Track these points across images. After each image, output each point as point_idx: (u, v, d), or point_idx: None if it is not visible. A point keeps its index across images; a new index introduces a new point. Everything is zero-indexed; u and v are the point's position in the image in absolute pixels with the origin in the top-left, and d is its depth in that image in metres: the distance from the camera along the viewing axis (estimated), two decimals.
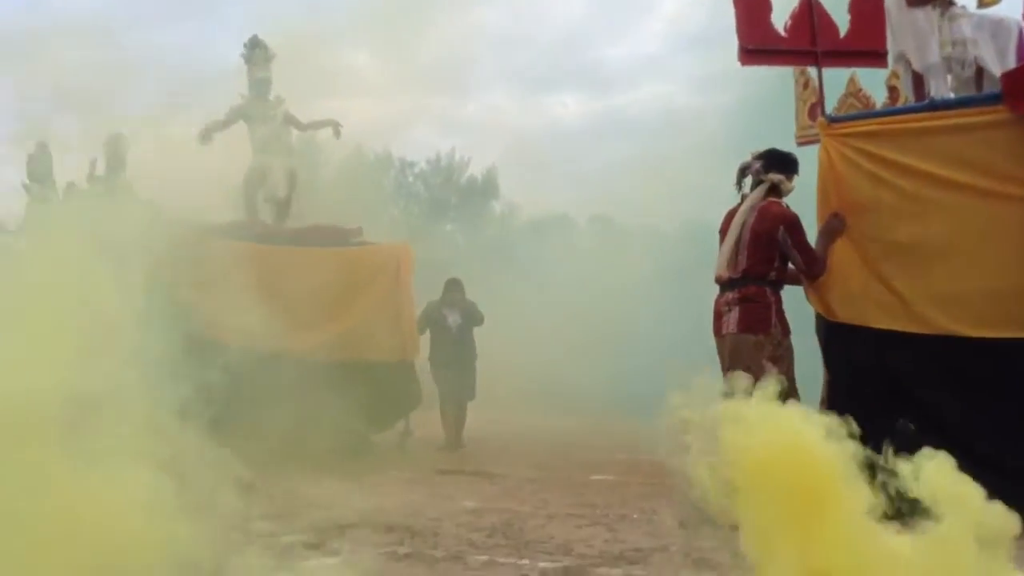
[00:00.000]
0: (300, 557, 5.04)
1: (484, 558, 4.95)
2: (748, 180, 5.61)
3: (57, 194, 11.54)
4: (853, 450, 3.00)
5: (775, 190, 5.50)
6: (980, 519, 2.79)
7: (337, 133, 10.09)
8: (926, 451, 2.89)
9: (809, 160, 5.74)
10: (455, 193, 23.15)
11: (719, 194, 6.15)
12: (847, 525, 2.89)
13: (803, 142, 7.32)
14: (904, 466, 2.90)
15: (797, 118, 7.77)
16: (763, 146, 5.66)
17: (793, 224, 5.31)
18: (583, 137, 28.74)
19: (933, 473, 2.86)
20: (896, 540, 2.91)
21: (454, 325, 9.42)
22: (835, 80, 7.14)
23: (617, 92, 33.99)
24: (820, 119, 5.46)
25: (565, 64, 34.60)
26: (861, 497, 2.93)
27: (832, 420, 2.99)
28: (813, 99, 7.07)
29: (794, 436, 2.98)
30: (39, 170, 11.24)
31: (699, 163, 14.57)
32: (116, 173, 11.77)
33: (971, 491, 2.84)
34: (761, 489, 2.93)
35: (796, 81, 7.84)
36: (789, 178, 5.53)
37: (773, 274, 5.38)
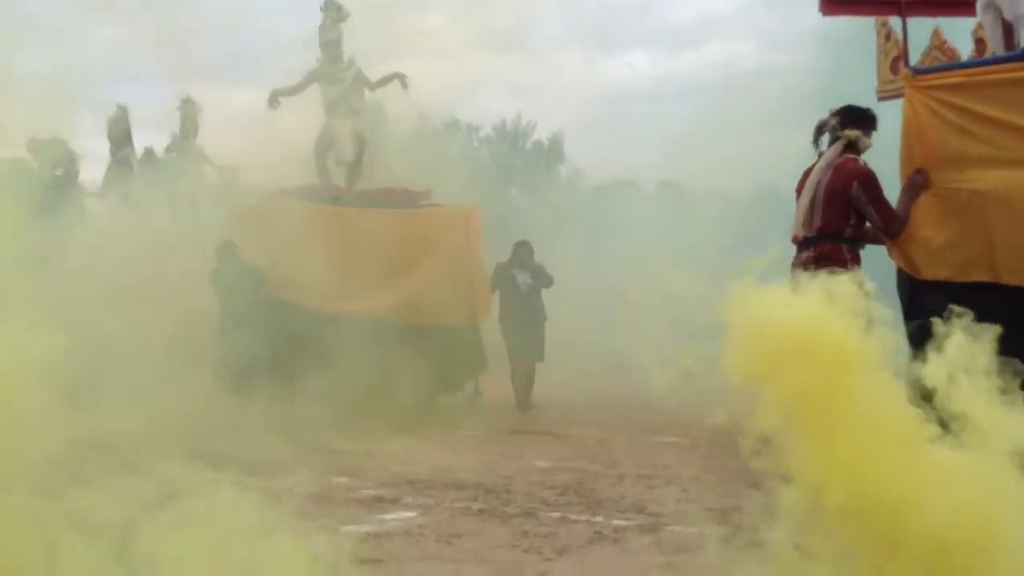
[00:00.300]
0: (377, 510, 5.15)
1: (557, 515, 4.99)
2: (825, 138, 5.47)
3: (136, 157, 11.85)
4: (889, 339, 2.88)
5: (852, 147, 5.35)
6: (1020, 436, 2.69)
7: (404, 84, 10.08)
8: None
9: (891, 116, 5.57)
10: (521, 158, 23.10)
11: (792, 156, 6.01)
12: (874, 413, 2.76)
13: (885, 96, 7.09)
14: (943, 382, 2.79)
15: (879, 72, 7.52)
16: (839, 104, 5.51)
17: (867, 179, 5.16)
18: (650, 99, 28.36)
19: (971, 389, 2.76)
20: (937, 444, 2.80)
21: (524, 286, 9.41)
22: (918, 34, 6.90)
23: (686, 52, 33.43)
24: (904, 71, 5.27)
25: (632, 24, 34.09)
26: (892, 386, 2.81)
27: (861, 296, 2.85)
28: (896, 52, 6.84)
29: (812, 322, 2.83)
30: (118, 133, 11.53)
31: (771, 124, 14.24)
32: (189, 139, 12.04)
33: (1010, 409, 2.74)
34: (778, 377, 2.80)
35: (878, 33, 7.59)
36: (867, 134, 5.37)
37: (849, 231, 5.24)
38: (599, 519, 4.82)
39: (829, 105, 5.57)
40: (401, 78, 10.09)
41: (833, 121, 5.40)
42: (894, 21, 6.29)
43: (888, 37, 7.36)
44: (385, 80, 10.18)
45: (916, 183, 5.11)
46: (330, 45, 9.75)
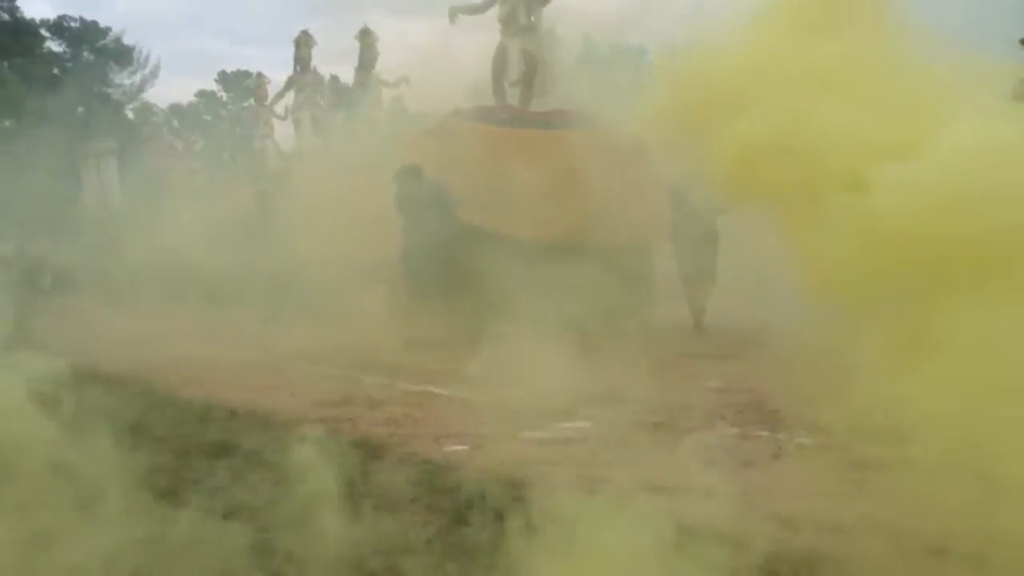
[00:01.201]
0: (554, 420, 5.25)
1: (736, 431, 4.94)
2: None
3: (323, 82, 12.31)
4: None
5: None
6: None
7: None
8: None
9: None
10: None
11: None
12: None
13: None
14: None
15: None
16: None
17: None
18: None
19: None
20: None
21: (700, 207, 9.18)
22: None
23: None
24: None
25: None
26: None
27: None
28: None
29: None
30: (303, 56, 12.00)
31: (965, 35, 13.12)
32: (368, 69, 12.39)
33: None
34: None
35: None
36: None
37: None
38: (781, 435, 4.75)
39: None
40: None
41: None
42: None
43: None
44: None
45: None
46: None
